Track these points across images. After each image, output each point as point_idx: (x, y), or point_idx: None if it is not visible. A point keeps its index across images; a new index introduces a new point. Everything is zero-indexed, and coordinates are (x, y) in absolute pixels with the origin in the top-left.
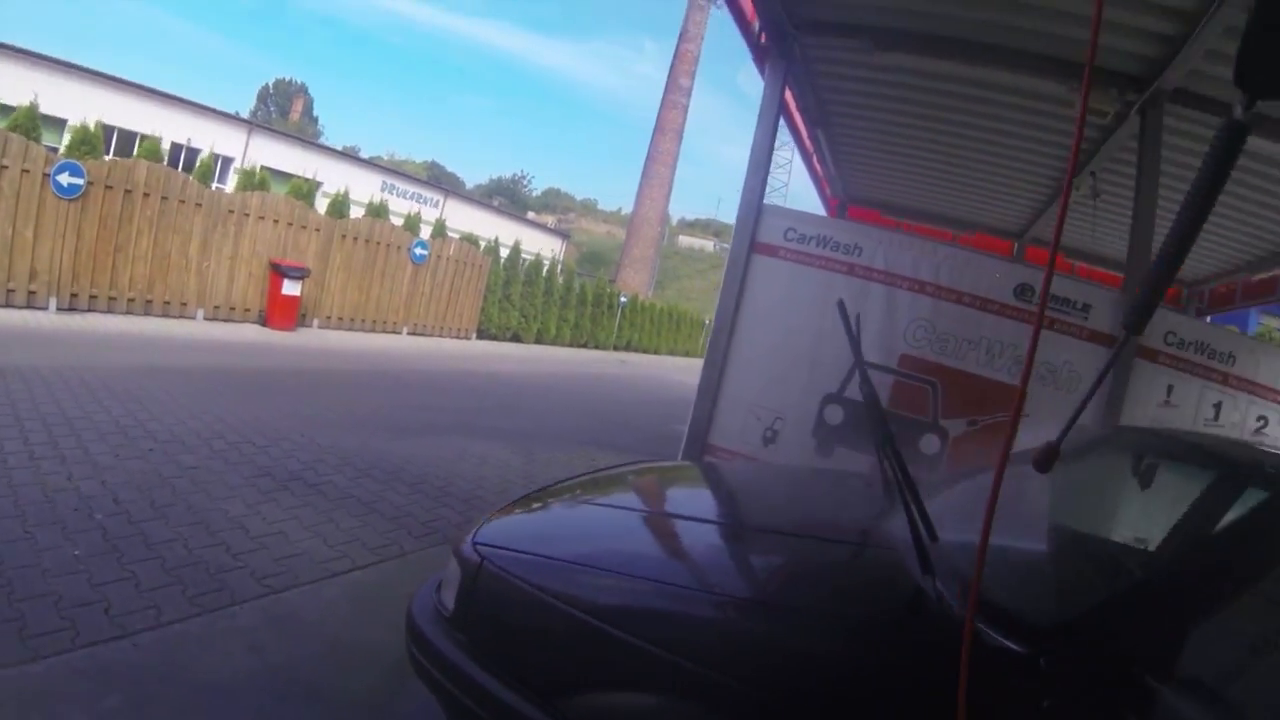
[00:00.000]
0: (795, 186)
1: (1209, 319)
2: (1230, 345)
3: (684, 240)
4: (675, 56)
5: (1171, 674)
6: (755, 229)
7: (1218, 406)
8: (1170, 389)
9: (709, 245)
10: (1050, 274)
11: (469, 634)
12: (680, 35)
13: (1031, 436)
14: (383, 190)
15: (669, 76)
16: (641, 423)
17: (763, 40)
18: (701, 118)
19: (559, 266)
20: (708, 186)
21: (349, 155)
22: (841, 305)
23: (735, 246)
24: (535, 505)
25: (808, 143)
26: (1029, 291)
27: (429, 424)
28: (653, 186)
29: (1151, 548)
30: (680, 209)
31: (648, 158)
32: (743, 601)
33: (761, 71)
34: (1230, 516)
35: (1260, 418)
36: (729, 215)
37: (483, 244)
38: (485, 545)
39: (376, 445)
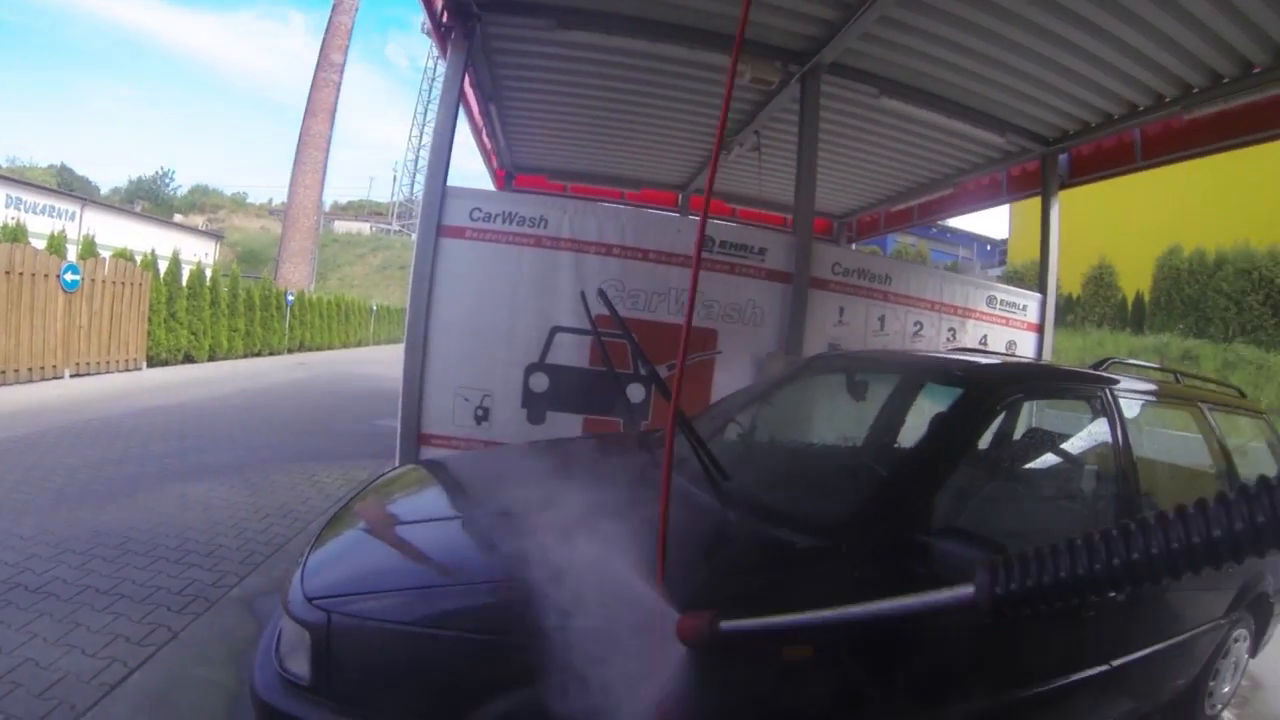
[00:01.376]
0: (457, 160)
1: (855, 245)
2: (885, 268)
3: (340, 225)
4: (327, 30)
5: (929, 529)
6: (441, 212)
7: (882, 319)
8: (841, 310)
9: (365, 228)
10: (704, 224)
11: (334, 695)
12: (334, 6)
13: (727, 370)
14: (7, 205)
15: (320, 52)
16: (344, 425)
17: (444, 19)
18: (349, 94)
19: (222, 273)
20: (359, 167)
21: None
22: (583, 295)
23: (422, 232)
24: (336, 545)
25: (478, 118)
26: (710, 242)
27: (134, 478)
28: (306, 173)
29: (874, 444)
30: (333, 193)
31: (300, 142)
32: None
33: (443, 51)
34: (925, 408)
35: (916, 323)
36: (382, 194)
37: (138, 258)
38: (323, 598)
39: (88, 519)
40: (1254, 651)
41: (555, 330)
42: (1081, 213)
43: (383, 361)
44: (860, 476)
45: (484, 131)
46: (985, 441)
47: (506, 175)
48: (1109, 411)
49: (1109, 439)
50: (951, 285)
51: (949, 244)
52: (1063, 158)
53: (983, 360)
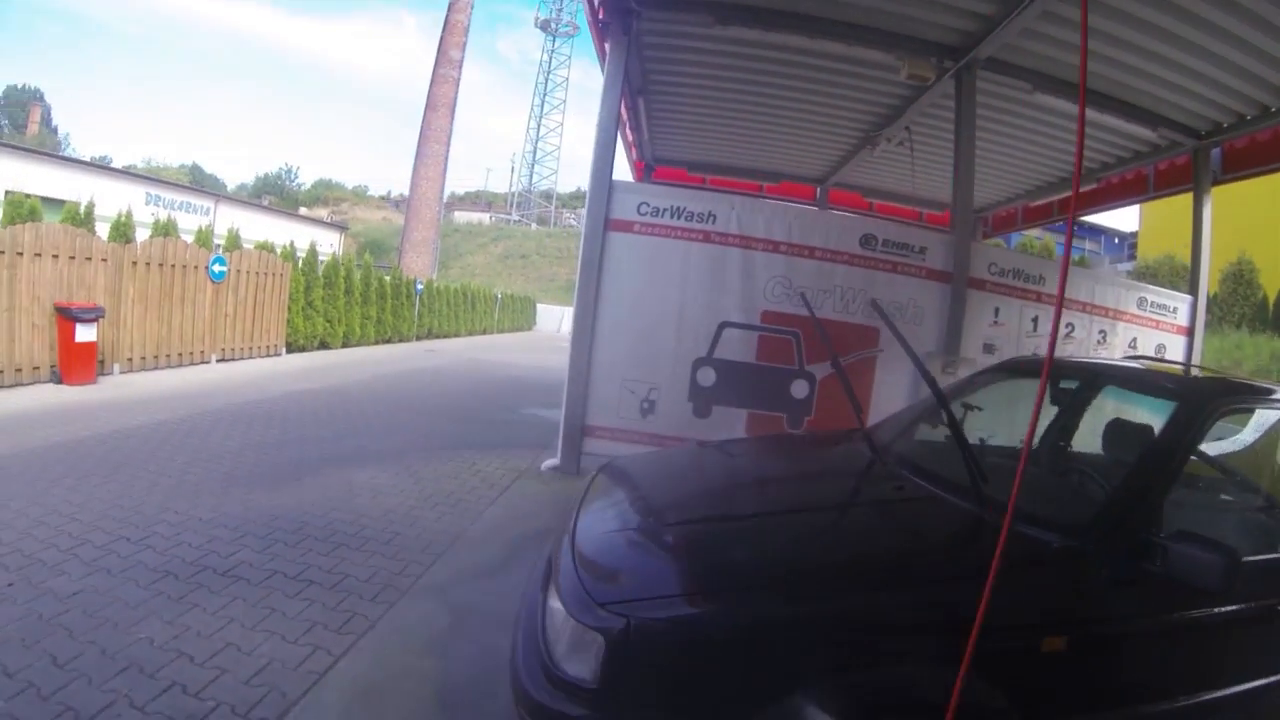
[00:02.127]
0: (585, 151)
1: (989, 240)
2: (1039, 268)
3: (460, 216)
4: (445, 28)
5: (1163, 531)
6: (609, 206)
7: (1035, 320)
8: (997, 311)
9: (485, 218)
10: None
11: (626, 699)
12: (450, 6)
13: (888, 369)
14: (148, 202)
15: (439, 49)
16: (490, 413)
17: (602, 16)
18: (464, 89)
19: (355, 263)
20: (475, 158)
21: (102, 167)
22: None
23: (590, 225)
24: (599, 549)
25: (623, 111)
26: (873, 240)
27: (297, 462)
28: (428, 165)
29: (1100, 449)
30: (451, 184)
31: (421, 136)
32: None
33: (599, 47)
34: (1140, 418)
35: (1069, 324)
36: (498, 185)
37: (278, 249)
38: (618, 604)
39: (261, 502)
40: None
41: (724, 325)
42: (1218, 205)
43: (511, 349)
44: (1098, 482)
45: (628, 125)
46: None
47: (646, 167)
48: None
49: None
50: (1104, 287)
51: (1076, 238)
52: (1215, 152)
53: (1181, 371)
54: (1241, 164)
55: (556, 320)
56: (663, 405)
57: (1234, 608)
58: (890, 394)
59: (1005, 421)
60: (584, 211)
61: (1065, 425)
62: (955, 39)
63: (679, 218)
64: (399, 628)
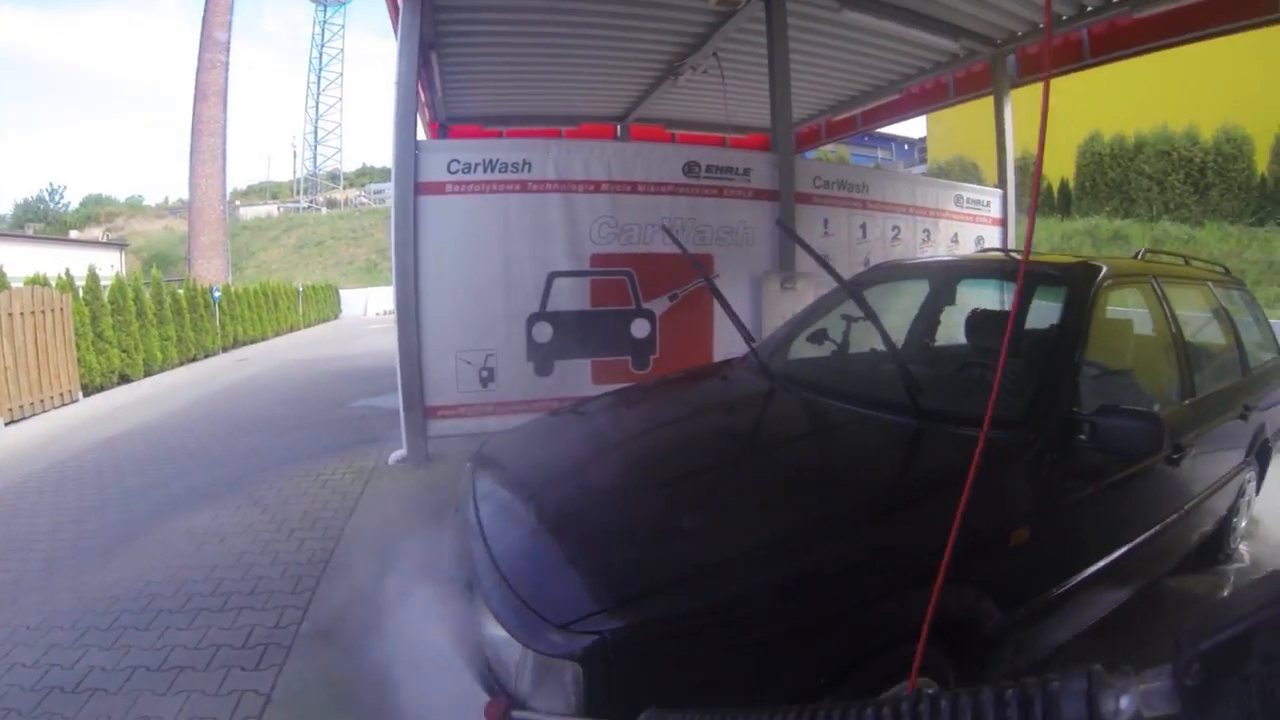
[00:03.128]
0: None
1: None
2: (861, 177)
3: (247, 211)
4: (206, 8)
5: (1082, 410)
6: (416, 169)
7: (863, 227)
8: (826, 222)
9: (273, 209)
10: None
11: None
12: None
13: (727, 292)
14: None
15: (202, 32)
16: (320, 413)
17: None
18: (234, 74)
19: (143, 281)
20: (254, 148)
21: None
22: (665, 227)
23: (399, 193)
24: (521, 558)
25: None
26: (696, 167)
27: (126, 523)
28: (205, 163)
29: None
30: (233, 179)
31: (193, 131)
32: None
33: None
34: (1039, 305)
35: (894, 227)
36: (281, 173)
37: (52, 281)
38: (583, 619)
39: (94, 583)
40: (1258, 491)
41: (553, 275)
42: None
43: (324, 342)
44: (1016, 373)
45: (421, 82)
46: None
47: (441, 128)
48: (1160, 296)
49: (1166, 321)
50: (924, 188)
51: (867, 146)
52: (1010, 59)
53: (1060, 259)
54: (1034, 68)
55: (361, 304)
56: (503, 370)
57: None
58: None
59: (900, 329)
60: (391, 181)
61: (928, 324)
62: None
63: (493, 170)
64: (299, 692)
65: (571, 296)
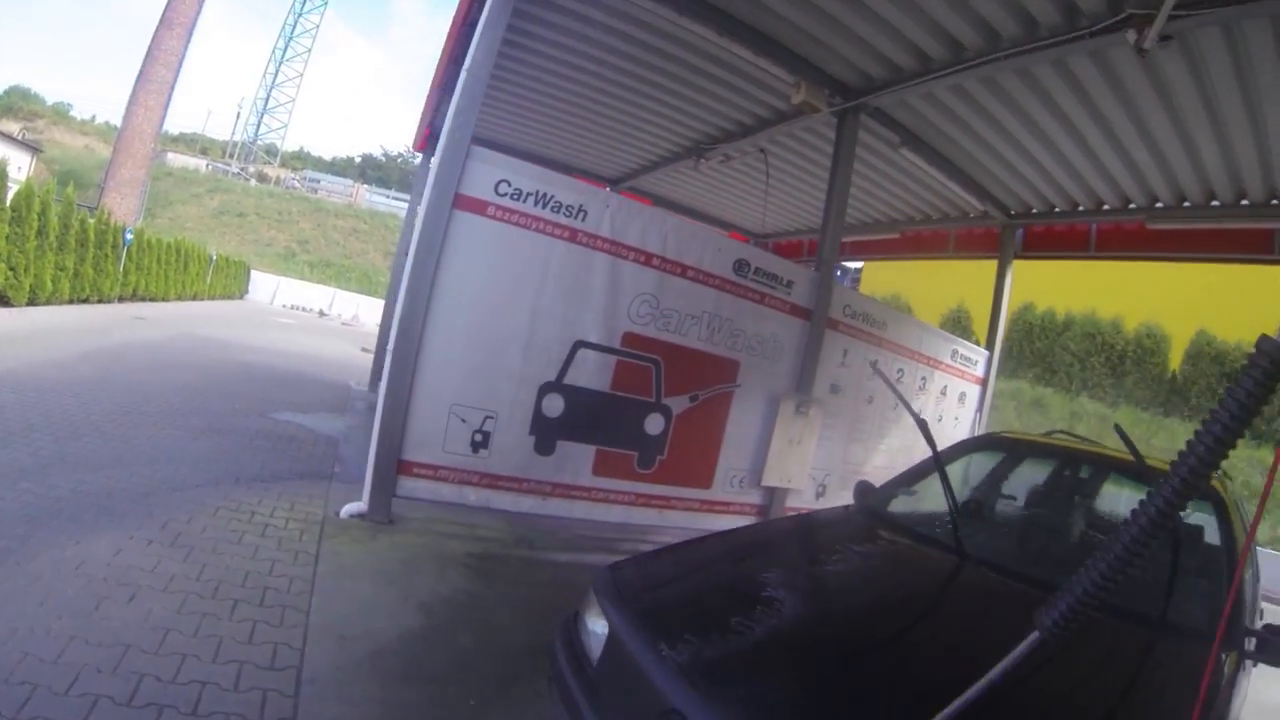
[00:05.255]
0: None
1: None
2: (883, 314)
3: (174, 159)
4: None
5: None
6: (461, 176)
7: (874, 363)
8: (845, 352)
9: (202, 165)
10: None
11: None
12: None
13: (743, 405)
14: None
15: None
16: (239, 420)
17: None
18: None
19: (54, 196)
20: (196, 97)
21: None
22: (875, 365)
23: (432, 198)
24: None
25: (443, 71)
26: (746, 267)
27: None
28: (149, 92)
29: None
30: (168, 122)
31: (148, 55)
32: None
33: None
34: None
35: (899, 369)
36: (218, 131)
37: None
38: None
39: None
40: None
41: (579, 345)
42: (939, 265)
43: (232, 323)
44: (1189, 582)
45: (444, 85)
46: None
47: (431, 135)
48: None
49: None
50: (930, 337)
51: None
52: (1019, 231)
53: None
54: (1036, 245)
55: (270, 290)
56: (499, 438)
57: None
58: (744, 432)
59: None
60: (428, 180)
61: (1059, 509)
62: (856, 80)
63: (544, 206)
64: None
65: (593, 373)
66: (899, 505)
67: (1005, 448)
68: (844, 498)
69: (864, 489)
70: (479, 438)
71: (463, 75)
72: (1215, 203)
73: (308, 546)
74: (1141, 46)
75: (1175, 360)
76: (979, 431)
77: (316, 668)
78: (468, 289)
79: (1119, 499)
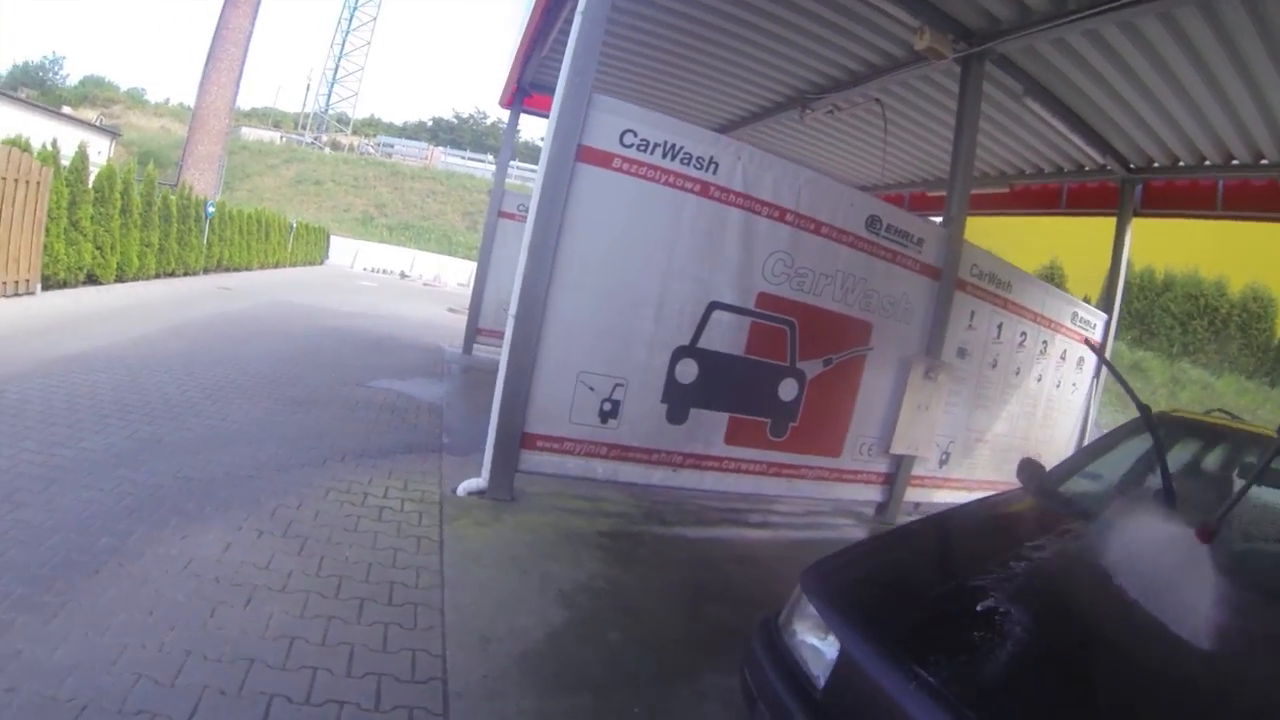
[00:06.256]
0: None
1: None
2: (1007, 273)
3: (248, 133)
4: None
5: None
6: (584, 127)
7: (1000, 327)
8: (973, 314)
9: (276, 137)
10: None
11: None
12: None
13: (875, 369)
14: None
15: None
16: (336, 390)
17: None
18: None
19: (135, 175)
20: (265, 73)
21: None
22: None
23: (554, 151)
24: None
25: (538, 20)
26: (878, 223)
27: (80, 526)
28: (220, 70)
29: None
30: (240, 98)
31: (216, 35)
32: None
33: None
34: None
35: (1022, 333)
36: (289, 104)
37: (35, 150)
38: None
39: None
40: None
41: (713, 306)
42: (1032, 221)
43: (315, 288)
44: None
45: (536, 37)
46: None
47: (519, 91)
48: None
49: None
50: (1052, 299)
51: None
52: (1139, 187)
53: None
54: (1156, 203)
55: (350, 255)
56: (630, 407)
57: None
58: (874, 398)
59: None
60: (547, 133)
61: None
62: (982, 24)
63: (674, 158)
64: None
65: (727, 336)
66: (1074, 487)
67: (1178, 428)
68: (966, 466)
69: (1032, 469)
70: (608, 406)
71: (578, 19)
72: None
73: (429, 531)
74: None
75: None
76: (1097, 397)
77: (463, 677)
78: (595, 249)
79: None
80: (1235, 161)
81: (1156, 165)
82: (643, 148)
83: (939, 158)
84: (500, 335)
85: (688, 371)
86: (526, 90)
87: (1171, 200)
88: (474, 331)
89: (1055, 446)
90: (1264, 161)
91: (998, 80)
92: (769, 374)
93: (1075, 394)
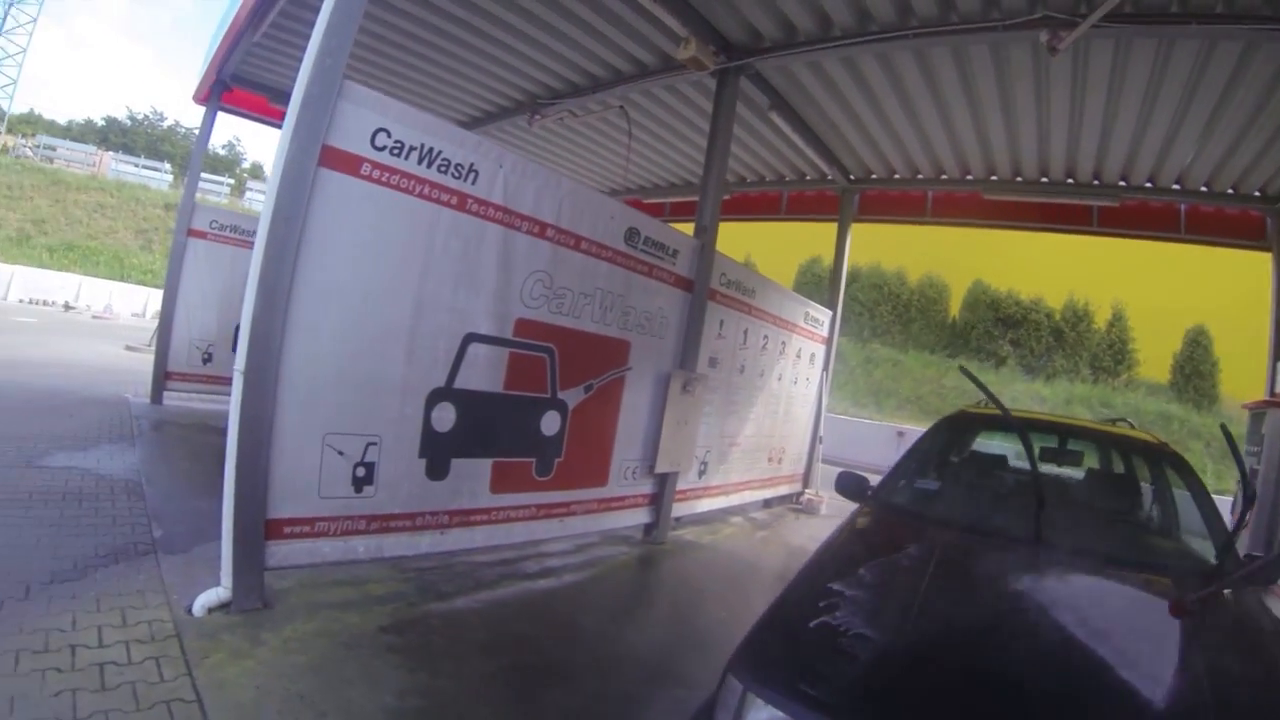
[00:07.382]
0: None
1: None
2: (753, 282)
3: None
4: None
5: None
6: (330, 123)
7: (745, 333)
8: (721, 323)
9: None
10: None
11: None
12: None
13: (634, 390)
14: None
15: None
16: (8, 477)
17: None
18: None
19: None
20: None
21: None
22: (964, 369)
23: (292, 150)
24: None
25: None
26: (637, 236)
27: None
28: None
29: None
30: None
31: None
32: None
33: None
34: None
35: (764, 336)
36: None
37: None
38: None
39: None
40: None
41: (470, 339)
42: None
43: None
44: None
45: (253, 20)
46: None
47: (216, 85)
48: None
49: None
50: (787, 302)
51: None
52: (856, 196)
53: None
54: (872, 209)
55: (3, 283)
56: (386, 468)
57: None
58: (636, 419)
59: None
60: (284, 131)
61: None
62: (747, 40)
63: (430, 165)
64: None
65: (485, 372)
66: (911, 494)
67: (971, 424)
68: (723, 472)
69: (857, 483)
70: (361, 472)
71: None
72: (1045, 179)
73: (177, 687)
74: (1055, 46)
75: (954, 308)
76: (828, 389)
77: None
78: (336, 279)
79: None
80: (944, 176)
81: (874, 176)
82: (396, 151)
83: (685, 165)
84: (196, 379)
85: (445, 418)
86: (227, 83)
87: (885, 208)
88: (163, 375)
89: (796, 438)
90: (969, 176)
91: (748, 95)
92: (530, 409)
93: (809, 387)
